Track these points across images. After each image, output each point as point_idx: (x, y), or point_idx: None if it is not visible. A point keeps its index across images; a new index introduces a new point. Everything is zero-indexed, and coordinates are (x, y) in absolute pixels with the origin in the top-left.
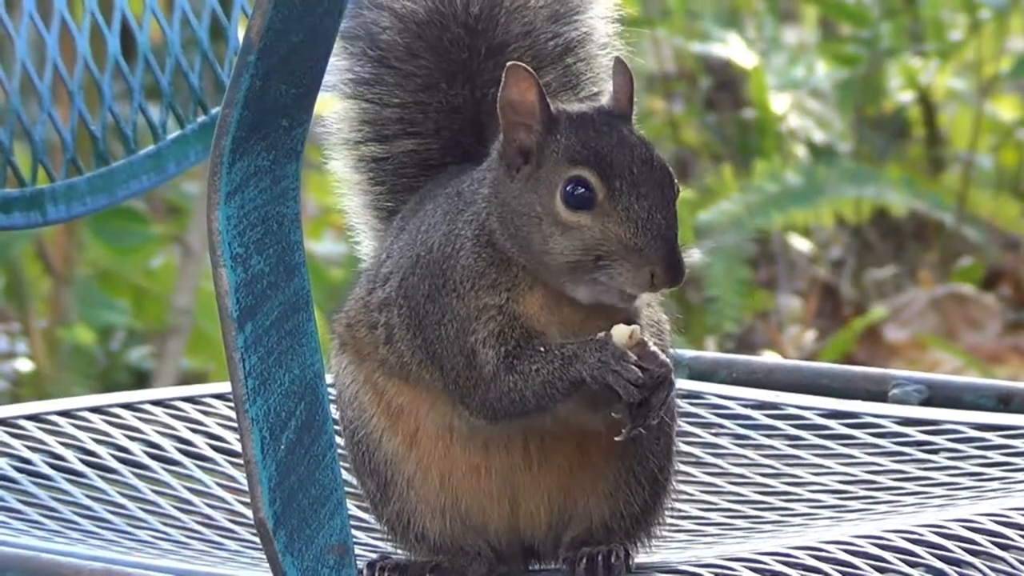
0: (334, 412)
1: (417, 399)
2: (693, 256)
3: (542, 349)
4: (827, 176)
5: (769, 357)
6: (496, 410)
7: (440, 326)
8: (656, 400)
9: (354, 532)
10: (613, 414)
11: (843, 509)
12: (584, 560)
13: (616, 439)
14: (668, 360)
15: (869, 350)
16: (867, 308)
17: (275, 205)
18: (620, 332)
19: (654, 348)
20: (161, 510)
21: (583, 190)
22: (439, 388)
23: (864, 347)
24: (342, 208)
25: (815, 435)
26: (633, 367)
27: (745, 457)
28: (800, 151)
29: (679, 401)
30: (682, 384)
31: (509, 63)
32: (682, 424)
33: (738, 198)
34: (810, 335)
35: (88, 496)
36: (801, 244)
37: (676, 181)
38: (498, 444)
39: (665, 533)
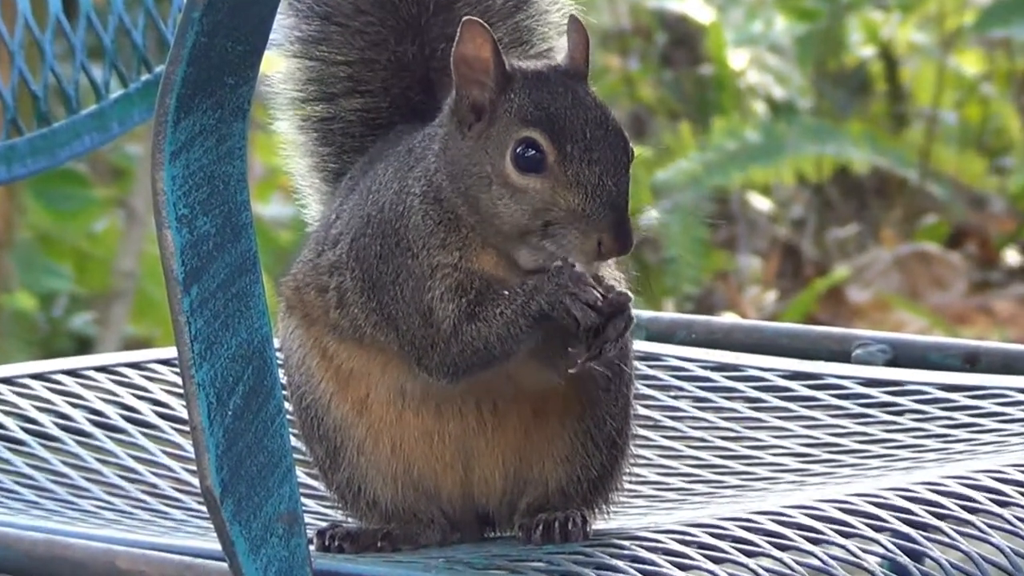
0: (281, 376)
1: (369, 363)
2: (648, 219)
3: (505, 292)
4: (787, 133)
5: (729, 318)
6: (458, 365)
7: (395, 286)
8: (613, 330)
9: (304, 500)
10: (569, 349)
11: (806, 473)
12: (540, 527)
13: (570, 371)
14: (627, 292)
15: (832, 311)
16: (829, 268)
17: (221, 164)
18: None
19: (613, 281)
20: (105, 479)
21: (534, 152)
22: (394, 351)
23: (826, 308)
24: (289, 170)
25: (777, 397)
26: (591, 288)
27: (705, 420)
28: (759, 108)
29: (637, 364)
30: (640, 345)
31: (465, 18)
32: (640, 387)
33: (696, 156)
34: (771, 296)
35: (29, 465)
36: (761, 203)
37: (631, 146)
38: (451, 408)
39: (623, 499)
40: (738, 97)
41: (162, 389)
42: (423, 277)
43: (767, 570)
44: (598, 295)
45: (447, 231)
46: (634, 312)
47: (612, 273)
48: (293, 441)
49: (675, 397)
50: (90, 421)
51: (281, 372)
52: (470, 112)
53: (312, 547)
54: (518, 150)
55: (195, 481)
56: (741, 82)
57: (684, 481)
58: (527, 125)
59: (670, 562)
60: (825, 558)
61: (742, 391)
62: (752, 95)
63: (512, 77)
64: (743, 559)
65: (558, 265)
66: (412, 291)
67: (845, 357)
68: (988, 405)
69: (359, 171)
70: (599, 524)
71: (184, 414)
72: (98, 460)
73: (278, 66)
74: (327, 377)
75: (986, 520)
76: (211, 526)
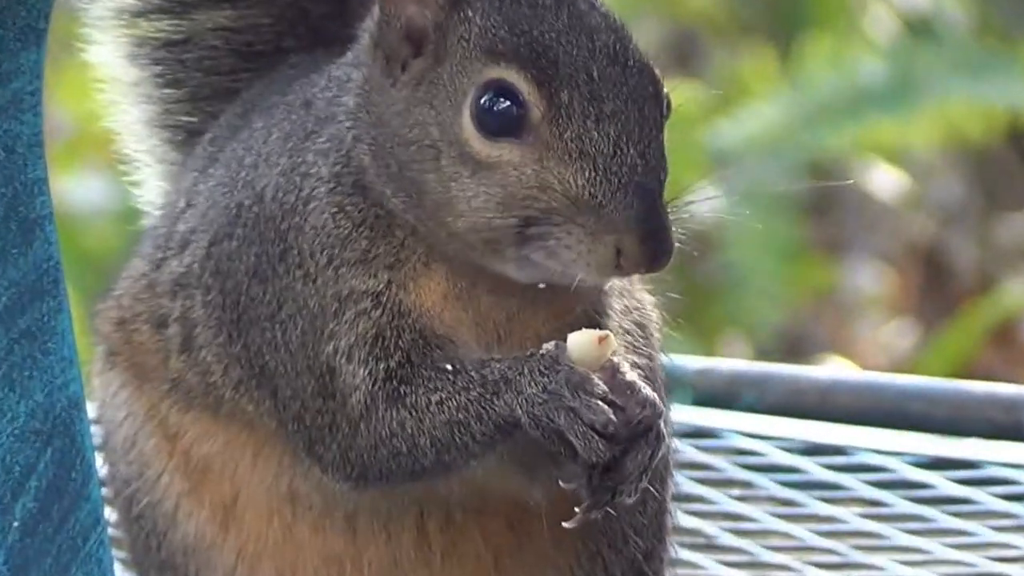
0: (101, 465)
1: (234, 446)
2: (698, 209)
3: (449, 368)
4: (930, 65)
5: (831, 366)
6: (367, 466)
7: (275, 324)
8: (633, 463)
9: None
10: (562, 483)
11: None
12: None
13: (565, 525)
14: (655, 396)
15: (1002, 355)
16: (998, 285)
17: (1, 120)
18: (580, 343)
19: (634, 375)
20: None
21: (508, 104)
22: (271, 428)
23: (994, 351)
24: (113, 126)
25: (907, 499)
26: (600, 404)
27: (791, 537)
28: (884, 24)
29: (678, 444)
30: (683, 415)
31: None
32: (683, 482)
33: (781, 101)
34: (902, 330)
35: None
36: (886, 179)
37: (664, 91)
38: (375, 523)
39: None
40: (848, 6)
41: None
42: (323, 315)
43: None
44: (609, 415)
45: (372, 237)
46: (667, 429)
47: (634, 299)
48: (119, 571)
49: (742, 499)
50: None
51: (100, 457)
52: (404, 43)
53: None
54: (483, 101)
55: None
56: None
57: None
58: (496, 60)
59: None
60: None
61: (850, 488)
62: (872, 4)
63: None
64: None
65: (548, 353)
66: (303, 336)
67: (1017, 432)
68: None
69: (225, 130)
70: None
71: None
72: None
73: None
74: (171, 468)
75: None
76: None
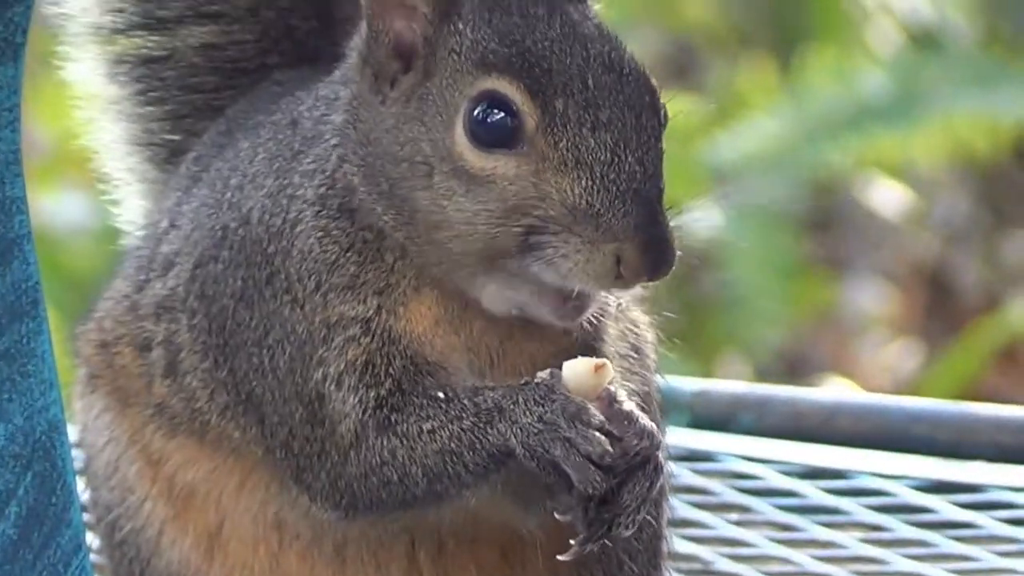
0: (83, 489)
1: (220, 473)
2: (695, 221)
3: (441, 396)
4: (934, 78)
5: (832, 388)
6: (356, 496)
7: (262, 350)
8: (631, 495)
9: None
10: (557, 514)
11: None
12: None
13: (561, 558)
14: (653, 426)
15: (1009, 376)
16: (1004, 303)
17: None
18: (576, 371)
19: (631, 405)
20: None
21: (501, 115)
22: (258, 455)
23: (1000, 372)
24: (93, 144)
25: (909, 524)
26: (596, 435)
27: (790, 563)
28: (888, 36)
29: (674, 468)
30: (680, 437)
31: None
32: (679, 506)
33: (782, 115)
34: (905, 350)
35: None
36: (890, 195)
37: (661, 101)
38: (364, 553)
39: None
40: (851, 18)
41: None
42: (311, 340)
43: None
44: (606, 445)
45: (362, 261)
46: (665, 460)
47: (629, 321)
48: None
49: (740, 523)
50: None
51: (82, 481)
52: (392, 58)
53: None
54: (476, 113)
55: None
56: None
57: None
58: (488, 71)
59: None
60: None
61: (851, 513)
62: (878, 15)
63: None
64: None
65: (543, 382)
66: (291, 362)
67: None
68: None
69: (209, 148)
70: None
71: None
72: None
73: None
74: (154, 494)
75: None
76: None
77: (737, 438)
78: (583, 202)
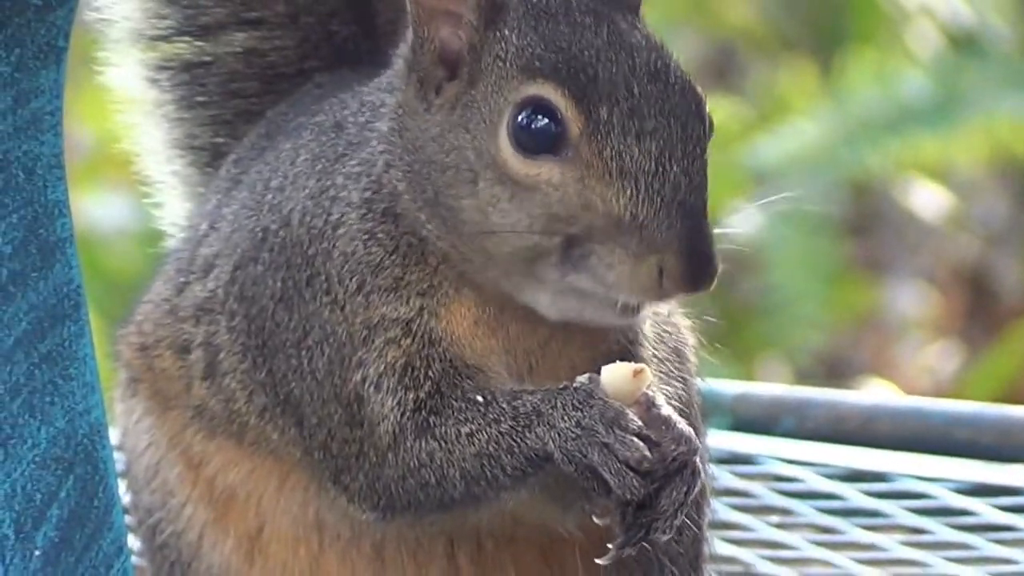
0: (124, 492)
1: (259, 474)
2: (739, 228)
3: (479, 399)
4: (975, 81)
5: (873, 391)
6: (394, 497)
7: (301, 351)
8: (668, 500)
9: None
10: (596, 518)
11: None
12: None
13: (599, 561)
14: (691, 432)
15: None
16: None
17: (20, 140)
18: (615, 376)
19: (669, 410)
20: None
21: (546, 121)
22: (296, 456)
23: None
24: (134, 147)
25: (951, 527)
26: (634, 440)
27: (830, 566)
28: (929, 39)
29: (716, 470)
30: (721, 440)
31: None
32: (721, 509)
33: (822, 117)
34: (946, 353)
35: None
36: (930, 198)
37: (707, 109)
38: (403, 553)
39: None
40: (893, 21)
41: None
42: (351, 342)
43: None
44: (644, 451)
45: (405, 264)
46: (705, 463)
47: (669, 324)
48: None
49: (780, 526)
50: None
51: (123, 484)
52: (438, 65)
53: None
54: (520, 119)
55: None
56: None
57: None
58: (533, 77)
59: None
60: None
61: (892, 515)
62: (919, 19)
63: (505, 3)
64: None
65: (582, 387)
66: (330, 364)
67: None
68: None
69: (249, 152)
70: None
71: None
72: None
73: None
74: (195, 497)
75: None
76: None
77: (778, 441)
78: (627, 213)
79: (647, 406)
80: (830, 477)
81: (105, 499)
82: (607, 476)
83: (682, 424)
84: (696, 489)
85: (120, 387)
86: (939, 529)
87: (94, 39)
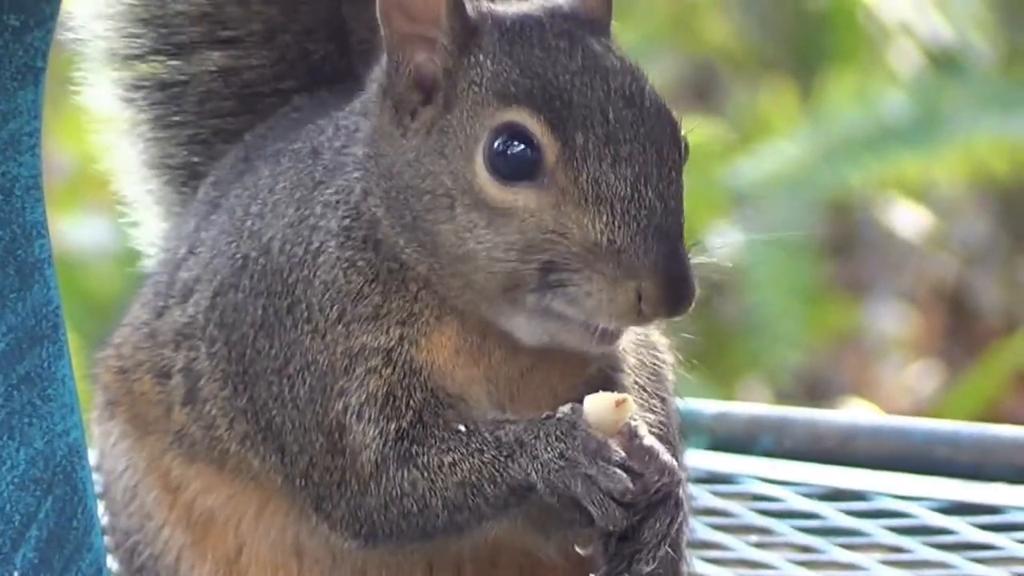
0: (102, 514)
1: (239, 500)
2: (715, 251)
3: (462, 428)
4: (955, 100)
5: (853, 410)
6: (376, 525)
7: (282, 379)
8: (651, 531)
9: None
10: (578, 548)
11: None
12: None
13: None
14: (674, 463)
15: None
16: (1022, 324)
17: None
18: (597, 406)
19: (652, 440)
20: None
21: (521, 147)
22: (277, 483)
23: (1020, 392)
24: (112, 167)
25: (929, 546)
26: (617, 471)
27: None
28: (909, 59)
29: (695, 490)
30: (701, 459)
31: None
32: (700, 528)
33: (803, 137)
34: (926, 372)
35: None
36: (910, 218)
37: (682, 133)
38: None
39: None
40: (873, 40)
41: None
42: (332, 371)
43: None
44: (627, 483)
45: (385, 292)
46: (686, 493)
47: (648, 346)
48: None
49: (760, 545)
50: None
51: (102, 506)
52: (413, 90)
53: None
54: (496, 145)
55: None
56: (876, 16)
57: None
58: (509, 103)
59: None
60: None
61: (871, 535)
62: (898, 37)
63: (479, 27)
64: None
65: (565, 418)
66: (311, 392)
67: None
68: None
69: (227, 173)
70: None
71: None
72: None
73: None
74: (173, 520)
75: None
76: None
77: (757, 460)
78: (604, 239)
79: (630, 436)
80: (809, 496)
81: (84, 520)
82: (590, 507)
83: (665, 455)
84: (680, 520)
85: (97, 409)
86: (918, 548)
87: (72, 59)
